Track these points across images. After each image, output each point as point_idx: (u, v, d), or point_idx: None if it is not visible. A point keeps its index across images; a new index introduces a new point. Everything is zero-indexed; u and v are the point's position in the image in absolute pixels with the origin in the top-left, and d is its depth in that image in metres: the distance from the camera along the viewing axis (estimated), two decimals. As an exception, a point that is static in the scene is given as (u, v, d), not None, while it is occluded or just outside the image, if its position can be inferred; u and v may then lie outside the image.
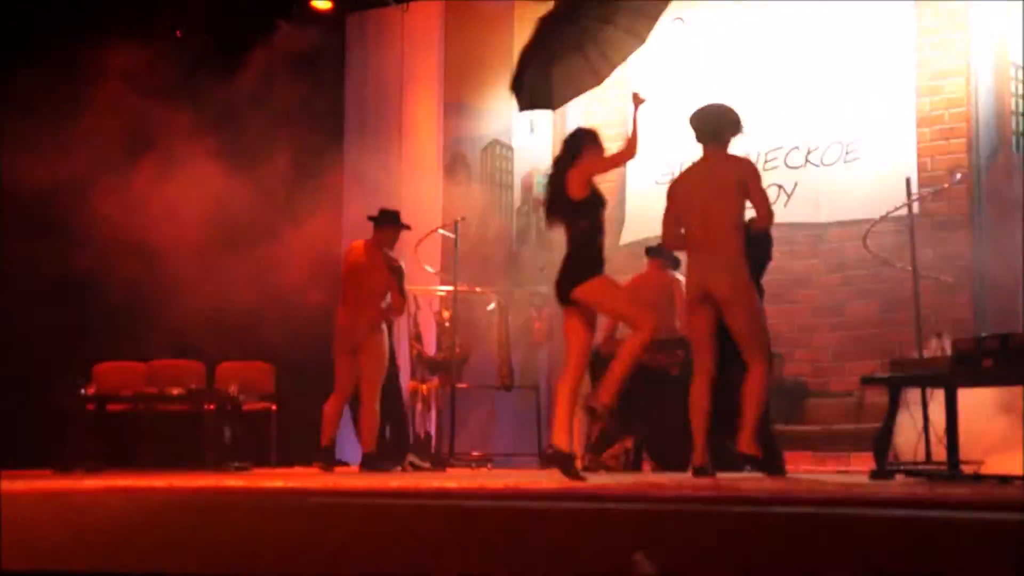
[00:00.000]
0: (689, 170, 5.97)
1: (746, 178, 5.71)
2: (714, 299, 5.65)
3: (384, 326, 7.49)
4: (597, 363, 6.66)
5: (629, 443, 7.63)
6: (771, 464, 5.76)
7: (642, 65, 9.76)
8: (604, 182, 9.78)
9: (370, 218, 7.76)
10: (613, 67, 6.01)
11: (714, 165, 5.81)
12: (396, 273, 7.54)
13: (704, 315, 5.69)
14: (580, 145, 5.76)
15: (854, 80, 8.78)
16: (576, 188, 5.63)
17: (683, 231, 5.86)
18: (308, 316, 8.40)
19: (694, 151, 5.93)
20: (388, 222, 7.65)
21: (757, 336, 5.66)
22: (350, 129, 10.82)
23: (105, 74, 8.57)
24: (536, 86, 6.05)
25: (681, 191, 5.87)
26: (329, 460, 7.38)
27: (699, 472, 5.64)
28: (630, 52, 5.91)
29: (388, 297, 7.52)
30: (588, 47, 5.88)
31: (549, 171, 5.91)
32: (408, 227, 7.89)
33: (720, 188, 5.69)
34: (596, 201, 5.70)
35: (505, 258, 10.17)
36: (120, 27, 8.82)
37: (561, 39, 5.86)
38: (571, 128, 9.91)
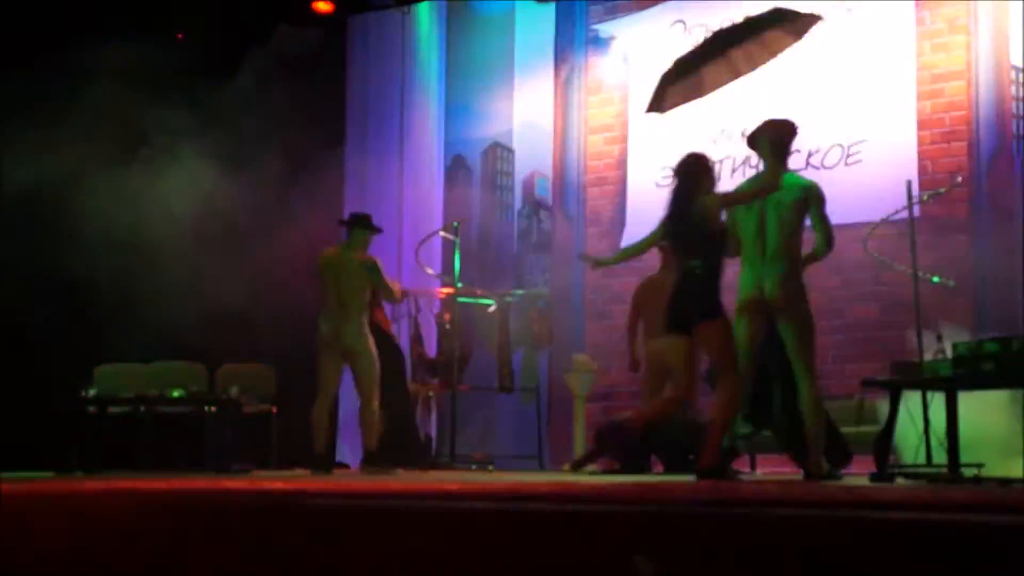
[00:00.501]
0: (750, 182, 6.07)
1: (811, 200, 5.81)
2: (769, 309, 5.69)
3: (368, 330, 7.44)
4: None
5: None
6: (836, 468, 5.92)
7: (643, 68, 9.80)
8: (604, 184, 9.89)
9: (341, 222, 7.78)
10: (718, 86, 6.23)
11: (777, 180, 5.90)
12: (372, 271, 7.52)
13: (752, 323, 5.73)
14: (699, 173, 5.73)
15: (855, 82, 8.78)
16: (715, 220, 5.62)
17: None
18: (309, 318, 8.38)
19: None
20: (360, 226, 7.67)
21: (809, 351, 5.71)
22: (351, 131, 10.83)
23: (104, 75, 8.57)
24: (658, 91, 6.29)
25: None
26: (325, 466, 7.33)
27: (707, 474, 5.59)
28: (737, 77, 6.23)
29: (368, 296, 7.53)
30: (706, 64, 6.07)
31: (673, 199, 5.80)
32: (380, 230, 7.87)
33: (781, 203, 5.75)
34: (724, 233, 5.72)
35: (506, 260, 10.17)
36: (121, 28, 8.82)
37: (700, 53, 6.11)
38: (572, 131, 10.07)
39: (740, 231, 5.85)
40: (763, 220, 5.75)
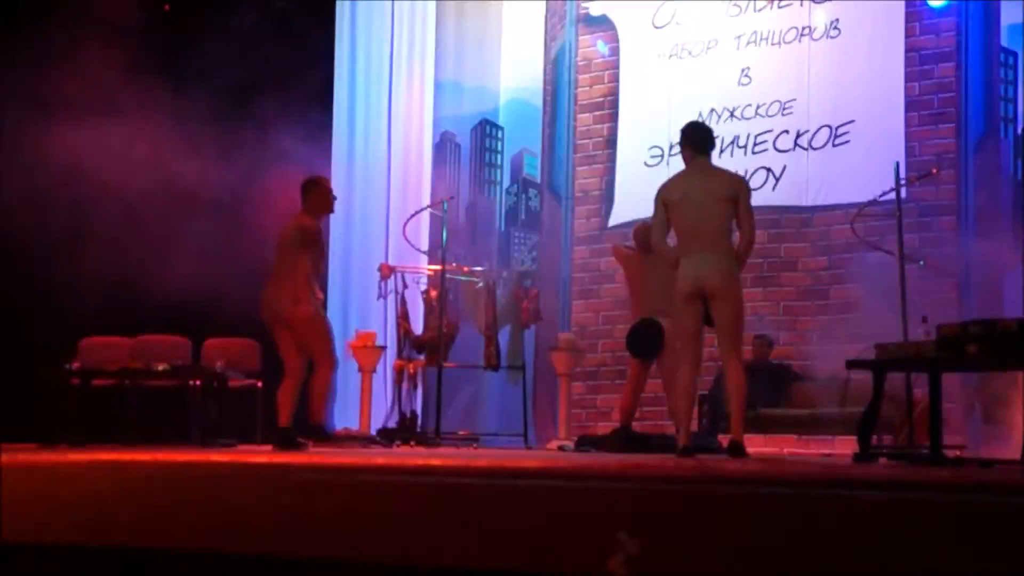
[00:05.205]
0: (681, 176, 6.19)
1: (738, 193, 6.00)
2: (705, 294, 5.93)
3: (308, 297, 6.93)
4: None
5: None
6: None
7: (633, 48, 9.78)
8: (593, 163, 9.87)
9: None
10: None
11: (707, 174, 6.10)
12: (305, 233, 6.95)
13: (694, 309, 5.97)
14: None
15: (844, 63, 8.78)
16: None
17: (672, 235, 6.16)
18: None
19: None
20: (307, 189, 7.11)
21: (738, 332, 6.01)
22: (339, 106, 10.77)
23: (89, 43, 8.49)
24: None
25: (674, 196, 6.08)
26: (286, 442, 6.92)
27: (683, 453, 5.91)
28: None
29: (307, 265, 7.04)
30: None
31: None
32: (332, 194, 7.22)
33: (713, 195, 5.96)
34: None
35: (493, 238, 10.17)
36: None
37: None
38: (561, 109, 10.06)
39: (676, 226, 6.06)
40: (697, 214, 5.97)
